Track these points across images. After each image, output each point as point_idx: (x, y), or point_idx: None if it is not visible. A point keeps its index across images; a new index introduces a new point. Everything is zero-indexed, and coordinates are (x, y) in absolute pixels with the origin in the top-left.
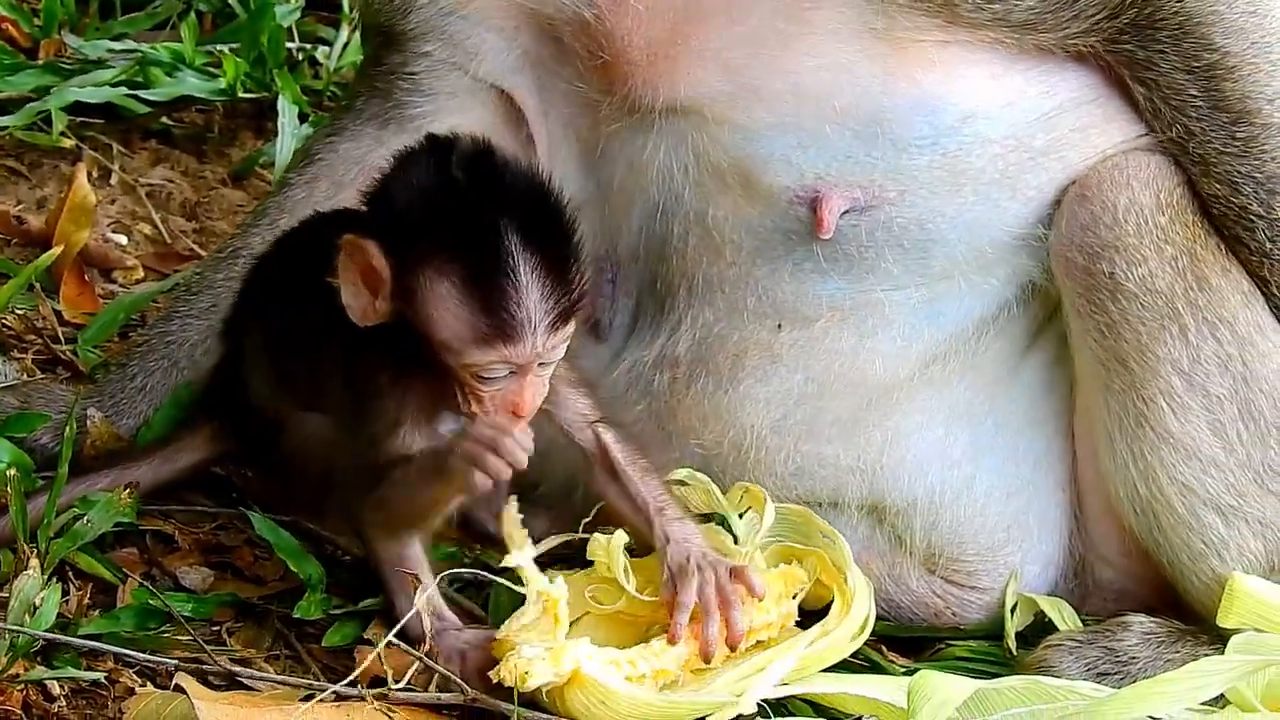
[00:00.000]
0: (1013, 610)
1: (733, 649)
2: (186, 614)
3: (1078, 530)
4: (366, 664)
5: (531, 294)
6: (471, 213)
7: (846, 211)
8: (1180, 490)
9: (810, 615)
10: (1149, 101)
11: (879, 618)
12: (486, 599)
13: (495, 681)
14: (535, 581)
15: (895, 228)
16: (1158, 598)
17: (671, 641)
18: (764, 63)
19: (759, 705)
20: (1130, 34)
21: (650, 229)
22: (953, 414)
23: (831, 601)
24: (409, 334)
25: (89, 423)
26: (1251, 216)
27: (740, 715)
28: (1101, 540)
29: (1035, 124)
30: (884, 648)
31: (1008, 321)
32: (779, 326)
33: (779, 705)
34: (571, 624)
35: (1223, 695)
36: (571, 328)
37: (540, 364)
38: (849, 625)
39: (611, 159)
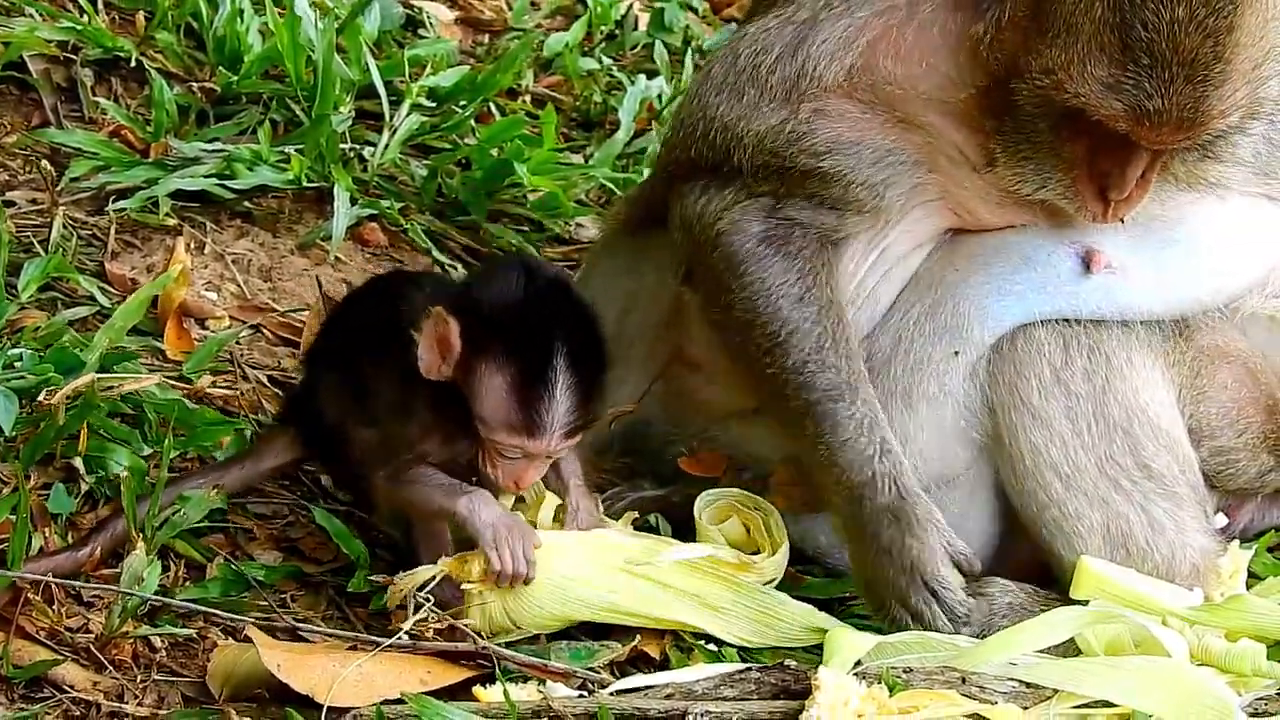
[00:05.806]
0: None
1: None
2: (260, 579)
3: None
4: (408, 625)
5: (559, 408)
6: (535, 331)
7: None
8: (1030, 448)
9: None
10: None
11: (811, 575)
12: None
13: (471, 629)
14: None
15: None
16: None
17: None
18: None
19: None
20: None
21: None
22: (981, 451)
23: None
24: (457, 394)
25: None
26: None
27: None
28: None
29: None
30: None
31: None
32: None
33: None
34: None
35: (1075, 645)
36: (580, 438)
37: (547, 456)
38: (773, 564)
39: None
